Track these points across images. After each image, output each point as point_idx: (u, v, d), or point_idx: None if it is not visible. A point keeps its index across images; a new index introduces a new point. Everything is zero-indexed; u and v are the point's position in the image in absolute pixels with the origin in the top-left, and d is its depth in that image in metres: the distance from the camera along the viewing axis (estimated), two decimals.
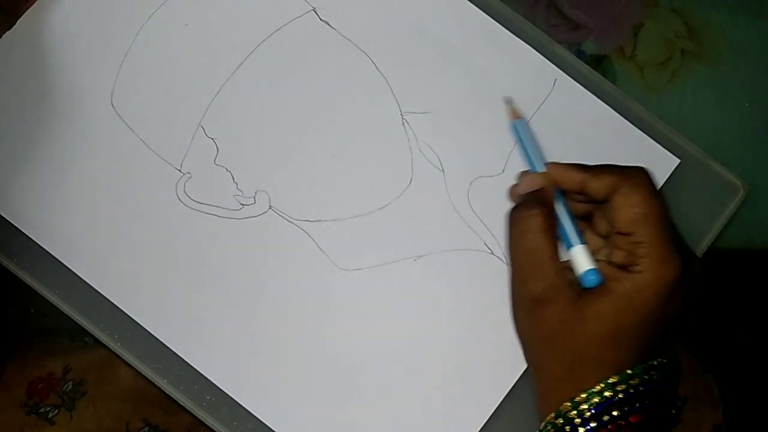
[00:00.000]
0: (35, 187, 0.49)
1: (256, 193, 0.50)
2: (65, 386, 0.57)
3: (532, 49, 0.51)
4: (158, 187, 0.49)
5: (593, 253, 0.45)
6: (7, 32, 0.51)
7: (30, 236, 0.49)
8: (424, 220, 0.50)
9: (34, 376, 0.57)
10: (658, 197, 0.43)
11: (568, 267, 0.44)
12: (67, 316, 0.48)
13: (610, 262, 0.44)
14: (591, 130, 0.51)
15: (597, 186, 0.44)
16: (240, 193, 0.50)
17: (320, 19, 0.51)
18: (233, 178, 0.50)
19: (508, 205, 0.46)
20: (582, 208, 0.47)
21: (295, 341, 0.48)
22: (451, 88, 0.51)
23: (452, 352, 0.48)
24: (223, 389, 0.48)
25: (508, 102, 0.49)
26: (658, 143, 0.51)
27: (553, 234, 0.44)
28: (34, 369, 0.58)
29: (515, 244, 0.44)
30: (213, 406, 0.48)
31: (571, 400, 0.42)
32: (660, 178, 0.51)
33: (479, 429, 0.48)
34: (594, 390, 0.41)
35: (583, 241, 0.44)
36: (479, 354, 0.48)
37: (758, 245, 0.66)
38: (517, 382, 0.48)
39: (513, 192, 0.48)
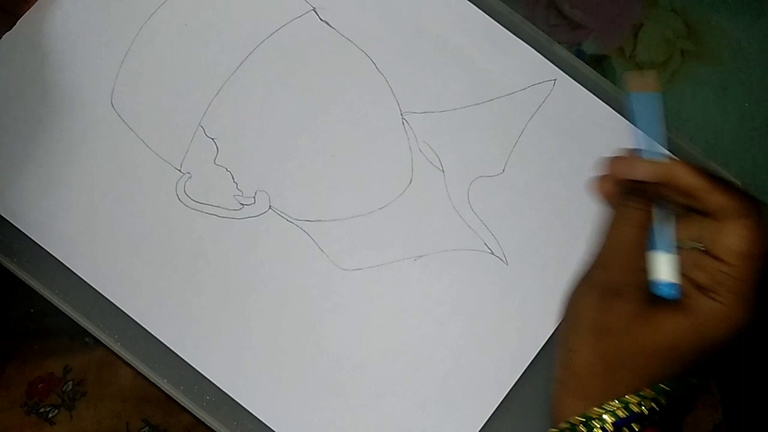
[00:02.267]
0: (35, 187, 0.49)
1: (256, 193, 0.50)
2: (65, 386, 0.57)
3: (531, 49, 0.51)
4: (158, 187, 0.49)
5: None
6: (7, 33, 0.50)
7: (30, 236, 0.49)
8: (424, 220, 0.50)
9: (34, 376, 0.57)
10: (766, 239, 0.41)
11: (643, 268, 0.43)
12: (67, 316, 0.49)
13: (688, 278, 0.43)
14: (591, 129, 0.51)
15: (716, 200, 0.41)
16: (240, 193, 0.50)
17: (320, 19, 0.51)
18: (233, 178, 0.50)
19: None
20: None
21: (295, 341, 0.48)
22: (451, 88, 0.51)
23: (452, 352, 0.48)
24: (223, 389, 0.48)
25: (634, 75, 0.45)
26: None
27: (647, 232, 0.43)
28: (34, 369, 0.58)
29: (612, 229, 0.43)
30: (213, 406, 0.48)
31: (602, 406, 0.41)
32: None
33: (479, 429, 0.48)
34: (629, 401, 0.41)
35: (675, 251, 0.43)
36: (479, 354, 0.48)
37: None
38: (517, 382, 0.48)
39: (617, 168, 0.45)
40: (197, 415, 0.48)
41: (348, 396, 0.48)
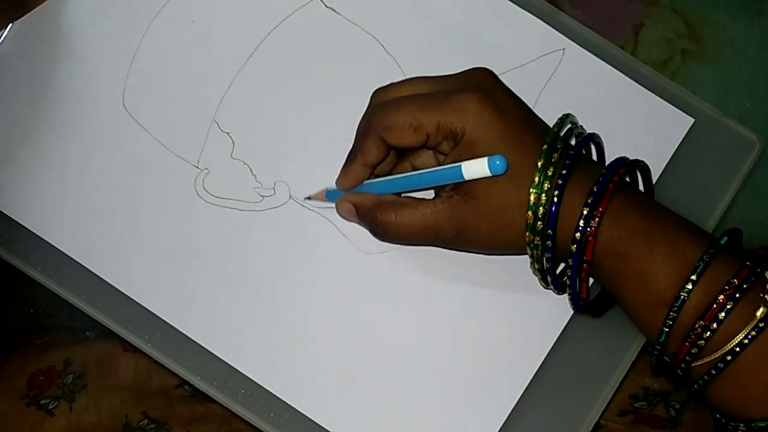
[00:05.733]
0: (54, 194, 0.49)
1: (275, 183, 0.50)
2: (65, 379, 0.57)
3: (538, 19, 0.52)
4: (177, 185, 0.49)
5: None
6: (15, 41, 0.50)
7: (53, 244, 0.48)
8: None
9: (35, 368, 0.57)
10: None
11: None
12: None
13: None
14: (604, 96, 0.51)
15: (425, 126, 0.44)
16: (259, 185, 0.50)
17: (325, 5, 0.51)
18: (251, 171, 0.50)
19: None
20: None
21: (324, 329, 0.48)
22: (462, 65, 0.50)
23: (485, 327, 0.48)
24: (257, 381, 0.47)
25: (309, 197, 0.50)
26: (671, 104, 0.51)
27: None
28: (34, 361, 0.58)
29: (414, 239, 0.46)
30: (248, 399, 0.47)
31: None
32: (676, 138, 0.51)
33: (513, 404, 0.47)
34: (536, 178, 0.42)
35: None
36: (510, 329, 0.48)
37: (758, 245, 0.66)
38: (548, 353, 0.48)
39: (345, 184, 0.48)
40: (234, 410, 0.47)
41: (381, 381, 0.47)
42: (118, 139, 0.50)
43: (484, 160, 0.41)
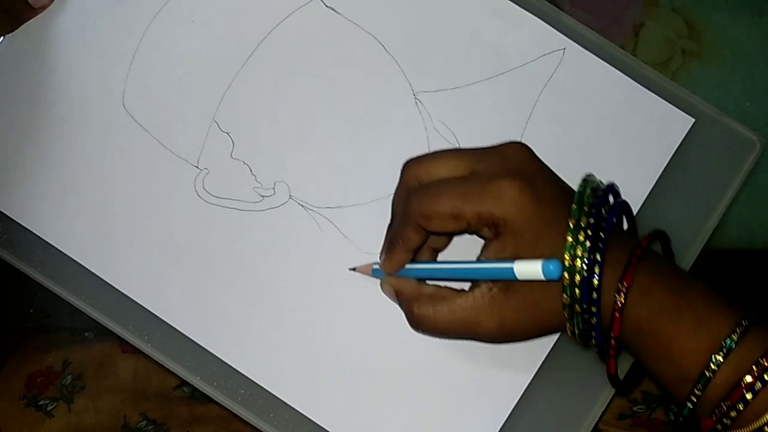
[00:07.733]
0: (54, 194, 0.49)
1: (275, 184, 0.50)
2: (64, 380, 0.57)
3: (538, 19, 0.51)
4: (177, 185, 0.49)
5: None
6: (14, 41, 0.50)
7: (52, 243, 0.48)
8: None
9: (34, 369, 0.57)
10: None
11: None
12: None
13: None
14: (604, 96, 0.51)
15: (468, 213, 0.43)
16: (259, 185, 0.49)
17: (326, 5, 0.51)
18: (251, 171, 0.50)
19: None
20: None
21: (325, 329, 0.48)
22: (462, 65, 0.51)
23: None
24: (257, 382, 0.47)
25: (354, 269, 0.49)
26: (672, 104, 0.51)
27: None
28: (33, 362, 0.58)
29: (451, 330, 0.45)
30: (248, 399, 0.47)
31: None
32: (676, 138, 0.51)
33: (512, 406, 0.47)
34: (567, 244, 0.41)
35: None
36: None
37: (758, 245, 0.66)
38: (547, 355, 0.48)
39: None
40: (233, 410, 0.47)
41: (381, 383, 0.47)
42: (118, 140, 0.50)
43: (538, 265, 0.39)
